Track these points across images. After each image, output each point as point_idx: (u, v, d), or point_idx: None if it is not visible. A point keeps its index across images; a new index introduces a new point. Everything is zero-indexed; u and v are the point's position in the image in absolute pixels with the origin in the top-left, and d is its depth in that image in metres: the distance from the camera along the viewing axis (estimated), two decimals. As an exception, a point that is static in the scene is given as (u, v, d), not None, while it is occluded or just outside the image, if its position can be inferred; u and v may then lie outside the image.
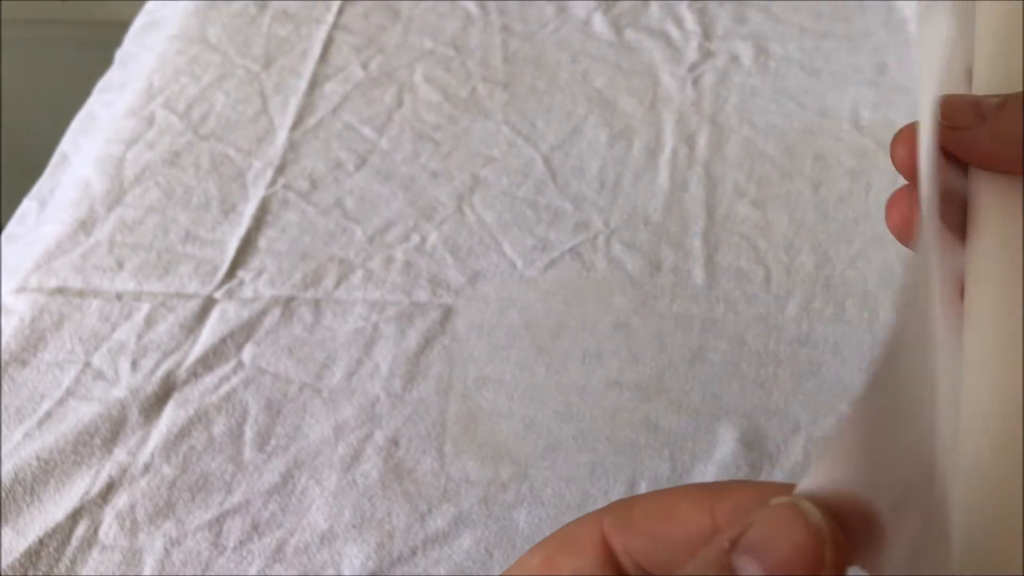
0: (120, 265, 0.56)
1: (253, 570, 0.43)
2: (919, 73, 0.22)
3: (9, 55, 1.09)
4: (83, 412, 0.49)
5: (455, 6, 0.77)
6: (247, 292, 0.55)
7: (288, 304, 0.54)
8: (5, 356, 0.51)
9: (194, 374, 0.51)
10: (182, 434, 0.48)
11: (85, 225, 0.59)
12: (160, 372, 0.51)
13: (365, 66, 0.71)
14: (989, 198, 0.19)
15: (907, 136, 0.20)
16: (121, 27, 0.80)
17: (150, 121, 0.66)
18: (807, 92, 0.68)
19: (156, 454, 0.47)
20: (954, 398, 0.18)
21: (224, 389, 0.50)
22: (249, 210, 0.60)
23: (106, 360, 0.51)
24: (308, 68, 0.71)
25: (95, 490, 0.46)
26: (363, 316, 0.54)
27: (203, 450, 0.47)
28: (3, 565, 0.43)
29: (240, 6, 0.77)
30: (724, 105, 0.67)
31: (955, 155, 0.20)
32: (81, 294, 0.55)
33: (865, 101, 0.67)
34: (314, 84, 0.69)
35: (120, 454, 0.47)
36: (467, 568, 0.43)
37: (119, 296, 0.55)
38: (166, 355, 0.52)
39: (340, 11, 0.76)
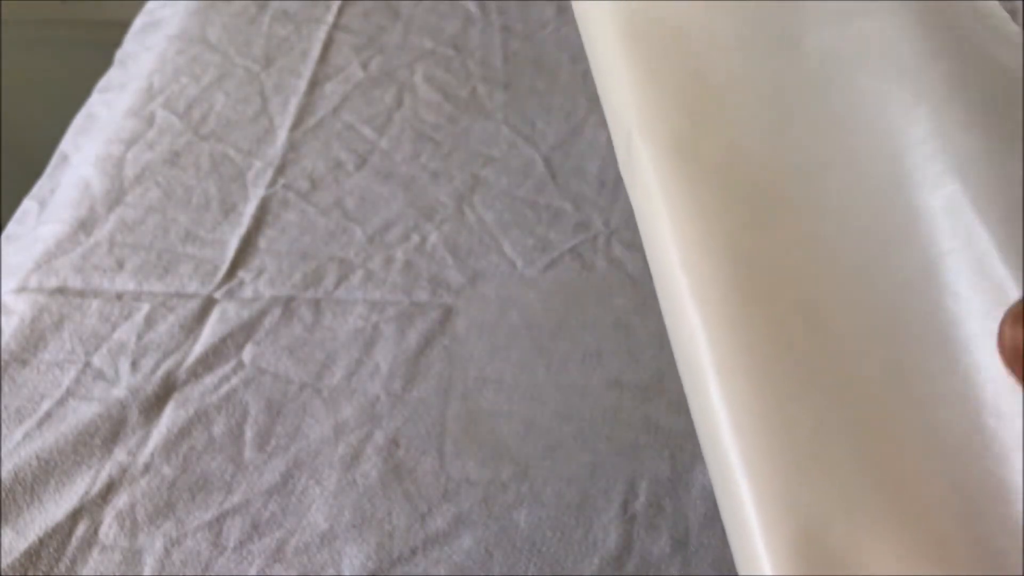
0: (120, 265, 0.56)
1: (253, 570, 0.43)
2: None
3: (9, 55, 1.09)
4: (83, 412, 0.49)
5: (455, 6, 0.77)
6: (247, 292, 0.55)
7: (288, 304, 0.54)
8: (5, 356, 0.51)
9: (194, 374, 0.51)
10: (182, 434, 0.48)
11: (85, 225, 0.59)
12: (160, 372, 0.51)
13: (365, 66, 0.71)
14: None
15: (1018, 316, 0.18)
16: (121, 27, 0.80)
17: (150, 121, 0.66)
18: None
19: (156, 454, 0.47)
20: None
21: (224, 389, 0.50)
22: (249, 210, 0.60)
23: (106, 360, 0.51)
24: (308, 68, 0.71)
25: (95, 490, 0.46)
26: (363, 316, 0.54)
27: (203, 450, 0.47)
28: (3, 565, 0.43)
29: (240, 6, 0.77)
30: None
31: None
32: (81, 294, 0.55)
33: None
34: (314, 84, 0.69)
35: (120, 454, 0.47)
36: (467, 568, 0.43)
37: (119, 296, 0.55)
38: (166, 355, 0.52)
39: (340, 11, 0.76)
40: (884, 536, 0.18)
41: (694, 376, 0.19)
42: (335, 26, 0.75)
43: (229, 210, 0.60)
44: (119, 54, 0.77)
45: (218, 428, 0.48)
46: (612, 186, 0.61)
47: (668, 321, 0.20)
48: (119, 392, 0.50)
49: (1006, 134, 0.19)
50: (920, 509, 0.18)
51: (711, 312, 0.19)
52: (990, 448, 0.18)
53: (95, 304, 0.54)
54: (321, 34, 0.74)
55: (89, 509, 0.45)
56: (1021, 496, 0.18)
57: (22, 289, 0.55)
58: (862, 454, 0.18)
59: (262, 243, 0.58)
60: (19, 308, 0.54)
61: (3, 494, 0.45)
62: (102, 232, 0.58)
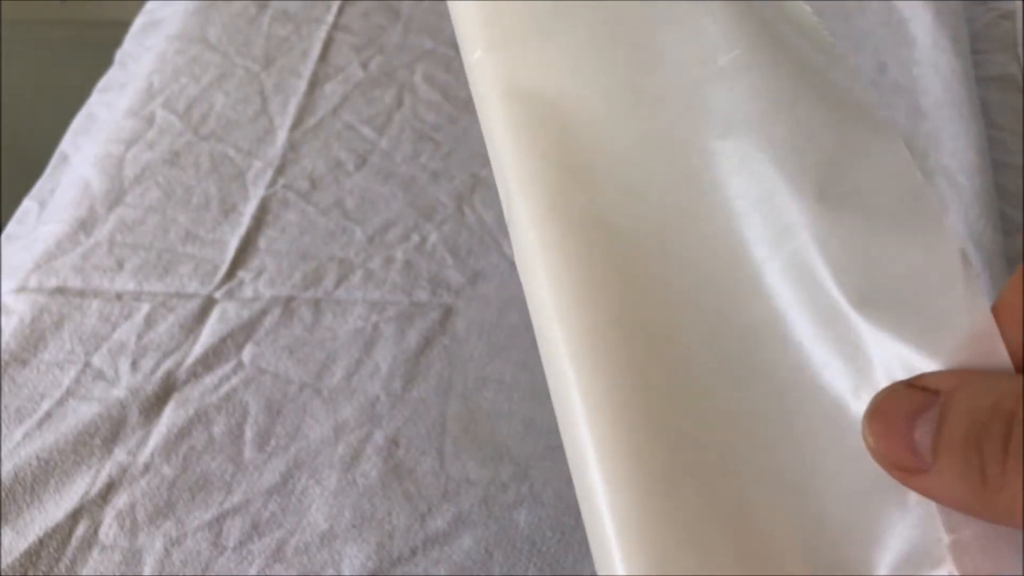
0: (120, 265, 0.56)
1: (253, 570, 0.43)
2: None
3: (9, 55, 1.09)
4: (83, 412, 0.49)
5: (455, 6, 0.77)
6: (247, 292, 0.55)
7: (288, 304, 0.54)
8: (5, 356, 0.51)
9: (194, 374, 0.51)
10: (182, 434, 0.48)
11: (85, 225, 0.59)
12: (160, 372, 0.51)
13: (365, 66, 0.71)
14: None
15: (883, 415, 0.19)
16: (121, 27, 0.80)
17: (150, 121, 0.66)
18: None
19: (156, 454, 0.47)
20: None
21: (224, 389, 0.50)
22: (249, 210, 0.60)
23: (106, 360, 0.51)
24: (308, 68, 0.71)
25: (95, 490, 0.46)
26: (363, 316, 0.54)
27: (203, 450, 0.47)
28: (3, 565, 0.43)
29: (240, 6, 0.77)
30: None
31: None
32: (81, 294, 0.55)
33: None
34: (314, 84, 0.69)
35: (120, 454, 0.47)
36: (467, 568, 0.43)
37: (119, 296, 0.55)
38: (166, 355, 0.52)
39: (340, 11, 0.76)
40: (727, 571, 0.19)
41: (567, 419, 0.21)
42: (335, 26, 0.75)
43: (229, 210, 0.60)
44: (119, 54, 0.77)
45: (218, 428, 0.48)
46: (612, 186, 0.61)
47: (545, 367, 0.22)
48: (119, 392, 0.50)
49: (840, 193, 0.21)
50: (762, 547, 0.19)
51: (580, 359, 0.21)
52: (831, 490, 0.19)
53: (95, 304, 0.54)
54: (321, 34, 0.74)
55: (89, 509, 0.45)
56: (857, 537, 0.19)
57: (22, 289, 0.55)
58: (711, 493, 0.19)
59: (262, 243, 0.58)
60: (19, 308, 0.54)
61: (3, 494, 0.45)
62: (102, 232, 0.58)
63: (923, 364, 0.19)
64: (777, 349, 0.21)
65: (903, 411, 0.18)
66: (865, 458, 0.19)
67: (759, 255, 0.21)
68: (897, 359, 0.19)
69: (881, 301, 0.20)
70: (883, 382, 0.19)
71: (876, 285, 0.20)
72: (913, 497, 0.19)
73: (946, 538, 0.18)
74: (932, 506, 0.18)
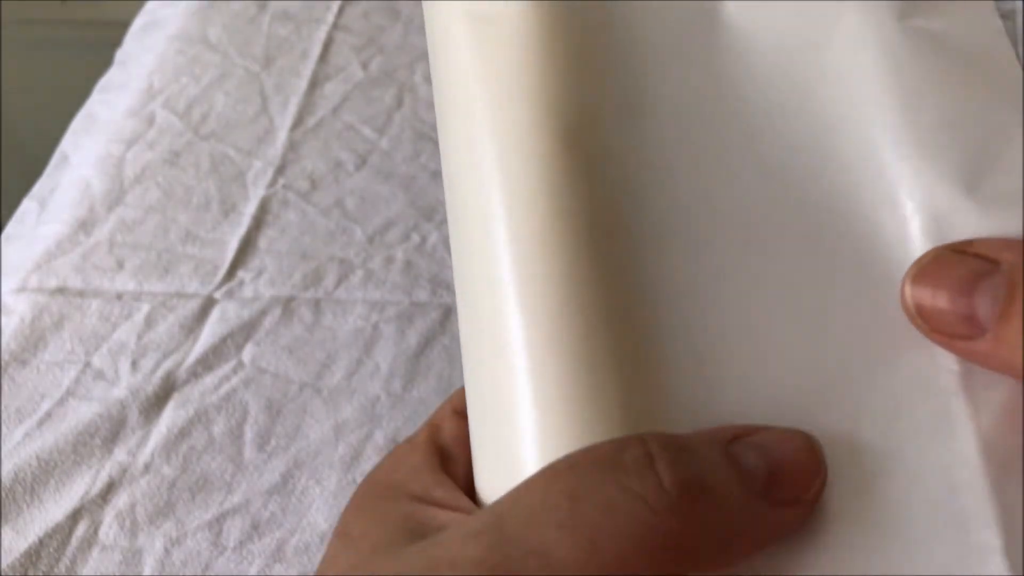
0: (120, 265, 0.56)
1: (253, 570, 0.43)
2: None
3: (9, 55, 1.09)
4: (83, 412, 0.49)
5: (455, 6, 0.77)
6: (247, 292, 0.55)
7: (288, 304, 0.54)
8: (5, 356, 0.51)
9: (194, 374, 0.51)
10: (182, 434, 0.48)
11: (85, 225, 0.59)
12: (160, 372, 0.51)
13: (365, 66, 0.71)
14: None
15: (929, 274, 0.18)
16: (121, 27, 0.80)
17: (150, 121, 0.66)
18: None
19: (156, 454, 0.47)
20: None
21: (224, 389, 0.50)
22: (249, 210, 0.60)
23: (106, 360, 0.51)
24: (308, 68, 0.71)
25: (95, 490, 0.46)
26: (363, 316, 0.54)
27: (203, 450, 0.47)
28: (3, 565, 0.43)
29: (240, 6, 0.77)
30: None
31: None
32: (81, 294, 0.55)
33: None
34: (314, 84, 0.69)
35: (120, 454, 0.47)
36: (467, 568, 0.43)
37: (119, 296, 0.55)
38: (166, 355, 0.52)
39: (340, 11, 0.76)
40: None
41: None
42: (335, 26, 0.75)
43: (229, 210, 0.60)
44: (119, 54, 0.77)
45: (218, 428, 0.48)
46: (612, 186, 0.61)
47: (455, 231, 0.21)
48: (119, 392, 0.50)
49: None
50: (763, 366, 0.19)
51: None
52: (843, 327, 0.19)
53: (95, 304, 0.54)
54: (321, 34, 0.74)
55: (89, 509, 0.45)
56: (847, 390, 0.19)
57: (22, 289, 0.55)
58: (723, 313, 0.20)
59: (262, 243, 0.58)
60: (19, 308, 0.54)
61: (3, 494, 0.45)
62: (102, 232, 0.58)
63: (964, 215, 0.18)
64: (815, 165, 0.19)
65: (958, 277, 0.17)
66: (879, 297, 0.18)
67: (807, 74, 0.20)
68: (939, 199, 0.18)
69: (941, 144, 0.18)
70: (920, 212, 0.18)
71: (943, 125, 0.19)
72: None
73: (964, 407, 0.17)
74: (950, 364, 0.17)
